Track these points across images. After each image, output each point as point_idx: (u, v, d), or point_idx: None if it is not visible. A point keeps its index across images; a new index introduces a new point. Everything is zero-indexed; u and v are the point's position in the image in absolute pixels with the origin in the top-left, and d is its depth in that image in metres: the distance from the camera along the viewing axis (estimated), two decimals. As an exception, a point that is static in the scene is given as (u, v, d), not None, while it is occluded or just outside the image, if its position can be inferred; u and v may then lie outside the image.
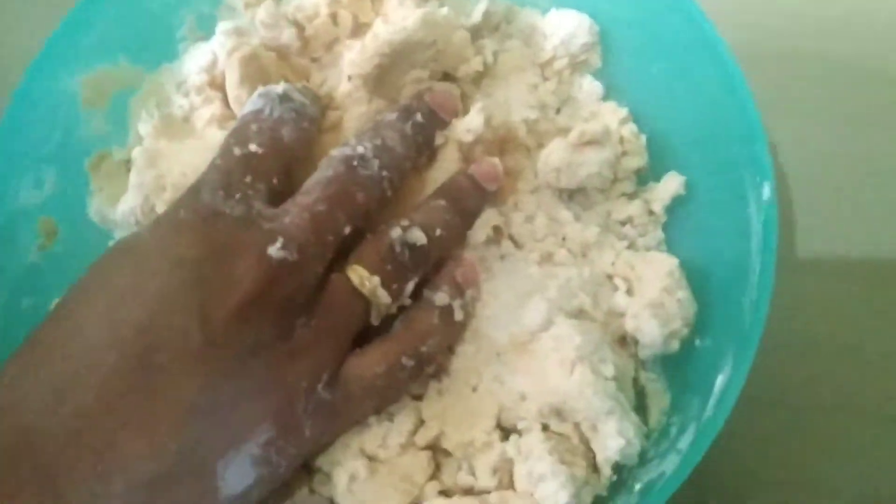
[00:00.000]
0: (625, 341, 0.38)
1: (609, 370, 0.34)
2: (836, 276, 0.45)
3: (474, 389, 0.35)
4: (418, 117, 0.36)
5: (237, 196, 0.31)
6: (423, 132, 0.36)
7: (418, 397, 0.35)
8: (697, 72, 0.37)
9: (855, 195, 0.47)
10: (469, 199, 0.36)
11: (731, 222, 0.36)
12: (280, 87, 0.35)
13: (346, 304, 0.32)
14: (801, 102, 0.48)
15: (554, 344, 0.35)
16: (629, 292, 0.38)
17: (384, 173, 0.34)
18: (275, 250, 0.30)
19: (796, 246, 0.46)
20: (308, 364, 0.31)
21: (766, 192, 0.34)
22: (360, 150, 0.34)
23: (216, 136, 0.37)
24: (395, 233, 0.33)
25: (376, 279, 0.32)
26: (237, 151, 0.33)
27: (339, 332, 0.32)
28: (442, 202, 0.35)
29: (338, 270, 0.33)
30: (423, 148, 0.36)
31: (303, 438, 0.31)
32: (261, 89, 0.35)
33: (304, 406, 0.31)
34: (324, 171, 0.33)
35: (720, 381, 0.33)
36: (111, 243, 0.38)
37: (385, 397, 0.34)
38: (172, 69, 0.40)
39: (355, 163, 0.33)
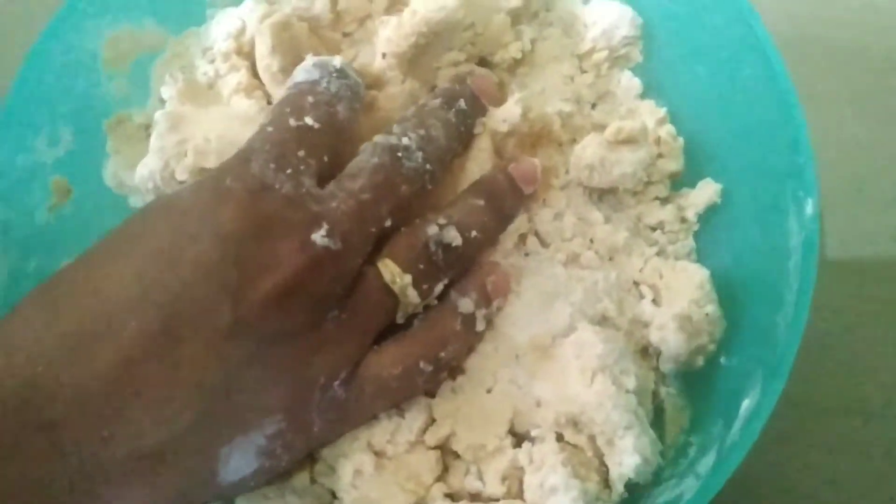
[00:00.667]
0: (647, 352, 0.36)
1: (631, 382, 0.33)
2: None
3: (489, 391, 0.34)
4: (462, 104, 0.34)
5: (288, 171, 0.29)
6: (465, 121, 0.35)
7: (430, 394, 0.34)
8: (744, 75, 0.35)
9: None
10: (507, 202, 0.34)
11: (768, 236, 0.34)
12: (337, 61, 0.33)
13: (376, 300, 0.31)
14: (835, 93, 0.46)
15: (576, 351, 0.33)
16: (655, 301, 0.36)
17: (427, 166, 0.32)
18: (319, 237, 0.28)
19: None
20: (330, 358, 0.29)
21: (810, 207, 0.32)
22: (405, 141, 0.32)
23: (242, 105, 0.35)
24: (432, 230, 0.32)
25: (408, 278, 0.31)
26: (292, 122, 0.31)
27: (365, 329, 0.31)
28: (480, 202, 0.33)
29: (369, 262, 0.31)
30: (464, 137, 0.35)
31: (310, 434, 0.30)
32: (315, 59, 0.33)
33: (318, 402, 0.29)
34: (369, 158, 0.31)
35: (746, 404, 0.31)
36: (139, 204, 0.37)
37: (397, 399, 0.32)
38: (199, 34, 0.39)
39: (400, 154, 0.31)
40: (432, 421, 0.33)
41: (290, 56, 0.36)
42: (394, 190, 0.31)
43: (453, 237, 0.32)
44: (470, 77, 0.36)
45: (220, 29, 0.37)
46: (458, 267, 0.33)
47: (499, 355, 0.34)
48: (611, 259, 0.37)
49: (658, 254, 0.37)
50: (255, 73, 0.37)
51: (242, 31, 0.37)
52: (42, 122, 0.36)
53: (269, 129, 0.31)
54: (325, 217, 0.29)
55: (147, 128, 0.39)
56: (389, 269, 0.31)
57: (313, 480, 0.33)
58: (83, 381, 0.25)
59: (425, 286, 0.32)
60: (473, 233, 0.33)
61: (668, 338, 0.34)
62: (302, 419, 0.29)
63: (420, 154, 0.32)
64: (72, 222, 0.37)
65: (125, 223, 0.30)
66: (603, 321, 0.35)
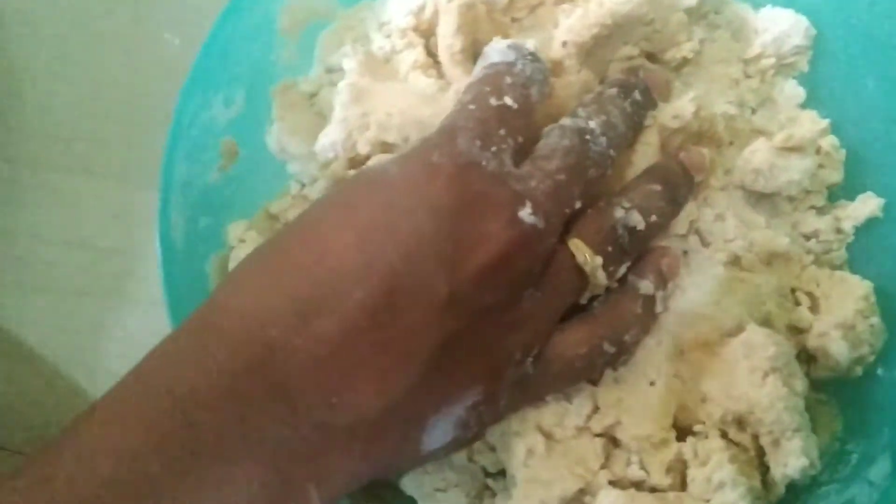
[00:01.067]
0: (799, 359, 0.36)
1: (800, 385, 0.33)
2: None
3: (652, 384, 0.33)
4: (637, 95, 0.35)
5: (493, 149, 0.30)
6: (639, 111, 0.35)
7: (593, 382, 0.34)
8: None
9: None
10: (681, 188, 0.34)
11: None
12: (531, 44, 0.33)
13: (568, 280, 0.31)
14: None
15: (745, 350, 0.33)
16: (812, 310, 0.36)
17: (610, 151, 0.32)
18: (526, 215, 0.29)
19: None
20: (526, 335, 0.30)
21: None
22: (592, 124, 0.32)
23: (421, 82, 0.35)
24: (618, 213, 0.32)
25: (599, 259, 0.31)
26: (493, 101, 0.31)
27: (556, 308, 0.31)
28: (658, 187, 0.33)
29: (560, 241, 0.31)
30: (638, 127, 0.35)
31: (498, 407, 0.30)
32: (509, 41, 0.33)
33: (511, 376, 0.30)
34: (559, 139, 0.32)
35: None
36: (298, 170, 0.37)
37: (578, 378, 0.32)
38: (373, 7, 0.39)
39: (587, 136, 0.32)
40: (596, 409, 0.33)
41: (471, 37, 0.36)
42: (584, 172, 0.32)
43: (638, 221, 0.32)
44: (643, 71, 0.36)
45: (401, 4, 0.37)
46: (639, 250, 0.33)
47: (663, 349, 0.34)
48: (769, 264, 0.37)
49: (814, 262, 0.37)
50: (429, 51, 0.37)
51: (423, 8, 0.37)
52: (221, 83, 0.36)
53: (471, 106, 0.31)
54: (527, 196, 0.29)
55: (311, 96, 0.39)
56: (581, 250, 0.31)
57: (470, 459, 0.34)
58: (314, 347, 0.26)
59: (611, 268, 0.32)
60: (653, 217, 0.33)
61: (831, 346, 0.34)
62: (495, 392, 0.29)
63: (604, 139, 0.32)
64: (236, 183, 0.37)
65: (334, 194, 0.30)
66: (766, 324, 0.35)
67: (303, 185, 0.38)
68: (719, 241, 0.36)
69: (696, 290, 0.35)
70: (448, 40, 0.35)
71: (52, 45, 0.50)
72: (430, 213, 0.28)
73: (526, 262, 0.29)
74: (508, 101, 0.31)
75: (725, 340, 0.34)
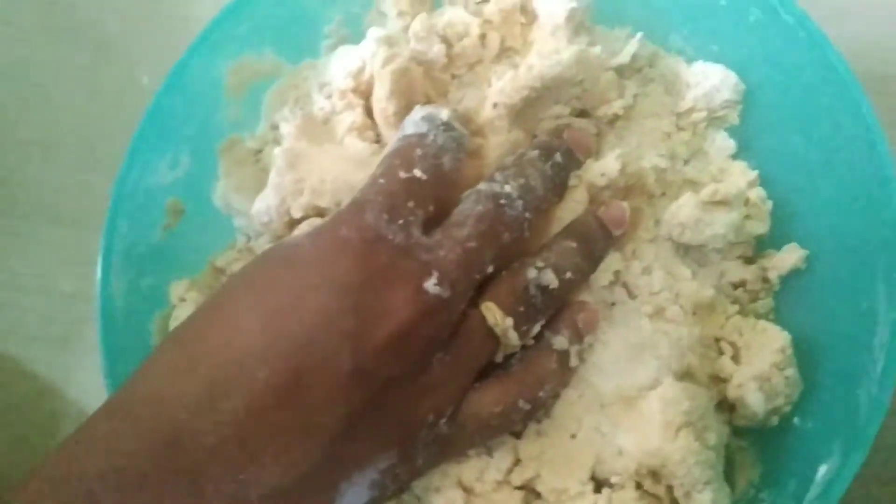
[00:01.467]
0: (722, 406, 0.37)
1: (712, 439, 0.34)
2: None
3: (573, 436, 0.35)
4: (558, 157, 0.36)
5: (400, 222, 0.31)
6: (560, 173, 0.36)
7: (516, 435, 0.35)
8: (841, 148, 0.36)
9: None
10: (597, 243, 0.36)
11: (853, 309, 0.35)
12: (444, 114, 0.34)
13: (479, 342, 0.32)
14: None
15: (661, 405, 0.34)
16: (734, 359, 0.37)
17: (526, 214, 0.33)
18: (431, 285, 0.30)
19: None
20: (438, 399, 0.31)
21: (904, 289, 0.33)
22: (507, 189, 0.33)
23: (355, 146, 0.36)
24: (531, 273, 0.33)
25: (510, 321, 0.32)
26: (402, 174, 0.32)
27: (469, 369, 0.32)
28: (573, 244, 0.35)
29: (471, 305, 0.32)
30: (559, 189, 0.36)
31: (414, 467, 0.32)
32: (423, 111, 0.35)
33: (424, 437, 0.31)
34: (473, 206, 0.33)
35: (824, 470, 0.33)
36: (244, 225, 0.39)
37: (495, 435, 0.34)
38: (315, 66, 0.40)
39: (503, 201, 0.33)
40: (517, 461, 0.35)
41: (405, 99, 0.37)
42: (497, 237, 0.33)
43: (551, 280, 0.33)
44: (568, 130, 0.37)
45: (340, 66, 0.38)
46: (554, 308, 0.35)
47: (584, 402, 0.35)
48: (694, 314, 0.38)
49: (739, 312, 0.39)
50: (369, 112, 0.38)
51: (362, 70, 0.38)
52: (167, 146, 0.38)
53: (381, 180, 0.32)
54: (434, 266, 0.30)
55: (257, 152, 0.40)
56: (492, 313, 0.32)
57: (399, 508, 0.35)
58: (221, 428, 0.27)
59: (524, 328, 0.33)
60: (568, 274, 0.34)
61: (748, 396, 0.35)
62: (410, 454, 0.31)
63: (521, 203, 0.33)
64: (181, 241, 0.39)
65: (247, 271, 0.31)
66: (686, 376, 0.36)
67: (249, 238, 0.40)
68: (645, 294, 0.37)
69: (619, 343, 0.36)
70: (382, 104, 0.36)
71: (10, 84, 0.51)
72: (335, 289, 0.29)
73: (432, 332, 0.30)
74: (418, 172, 0.32)
75: (643, 394, 0.35)
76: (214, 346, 0.29)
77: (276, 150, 0.36)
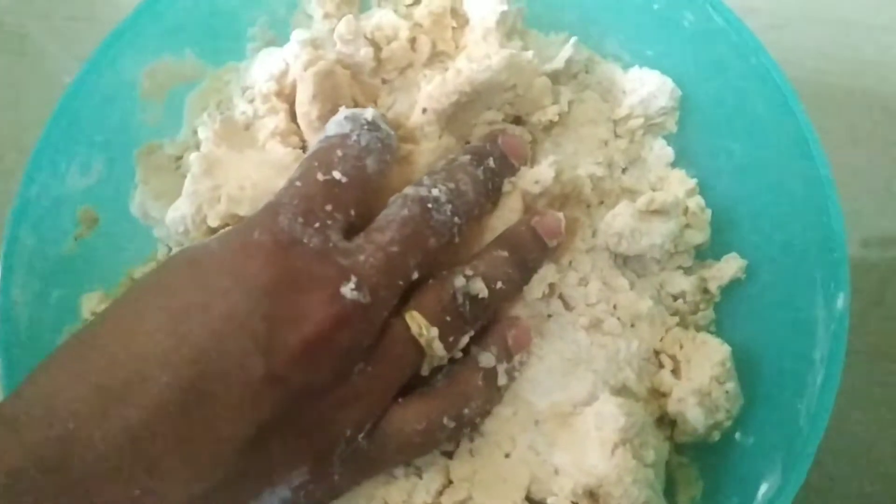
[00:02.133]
0: (663, 421, 0.36)
1: (650, 456, 0.32)
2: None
3: (507, 455, 0.33)
4: (491, 162, 0.34)
5: (316, 225, 0.29)
6: (493, 178, 0.34)
7: (448, 454, 0.33)
8: (780, 160, 0.35)
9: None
10: (531, 253, 0.34)
11: (793, 321, 0.34)
12: (369, 114, 0.32)
13: (403, 353, 0.30)
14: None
15: (597, 421, 0.32)
16: (675, 373, 0.36)
17: (455, 219, 0.32)
18: (348, 290, 0.28)
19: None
20: (357, 412, 0.29)
21: (840, 302, 0.32)
22: (435, 192, 0.31)
23: (277, 152, 0.34)
24: (459, 282, 0.31)
25: (435, 331, 0.30)
26: (320, 177, 0.30)
27: (391, 382, 0.30)
28: (504, 253, 0.33)
29: (395, 314, 0.30)
30: (492, 195, 0.34)
31: (331, 484, 0.29)
32: (347, 112, 0.33)
33: (342, 453, 0.29)
34: (398, 210, 0.31)
35: (765, 488, 0.31)
36: (163, 235, 0.36)
37: (418, 454, 0.32)
38: (238, 69, 0.38)
39: (430, 205, 0.31)
40: (449, 482, 0.33)
41: (330, 103, 0.35)
42: (422, 242, 0.31)
43: (479, 289, 0.32)
44: (502, 136, 0.36)
45: (263, 69, 0.36)
46: (482, 319, 0.33)
47: (518, 420, 0.34)
48: (633, 326, 0.36)
49: (679, 324, 0.37)
50: (293, 116, 0.36)
51: (285, 73, 0.36)
52: (77, 151, 0.35)
53: (298, 183, 0.30)
54: (353, 270, 0.29)
55: (177, 159, 0.38)
56: (416, 322, 0.30)
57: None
58: (115, 439, 0.25)
59: (451, 339, 0.31)
60: (499, 284, 0.32)
61: (687, 412, 0.34)
62: (325, 470, 0.29)
63: (449, 206, 0.31)
64: (96, 252, 0.36)
65: (153, 274, 0.29)
66: (623, 390, 0.35)
67: (170, 249, 0.37)
68: (582, 306, 0.36)
69: (554, 357, 0.35)
70: (305, 107, 0.34)
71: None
72: (245, 293, 0.27)
73: (351, 339, 0.28)
74: (337, 175, 0.30)
75: (579, 410, 0.33)
76: (112, 350, 0.26)
77: (192, 156, 0.34)
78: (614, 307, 0.36)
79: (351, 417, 0.29)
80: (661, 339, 0.37)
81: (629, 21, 0.38)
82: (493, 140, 0.35)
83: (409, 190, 0.32)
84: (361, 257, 0.29)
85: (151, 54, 0.37)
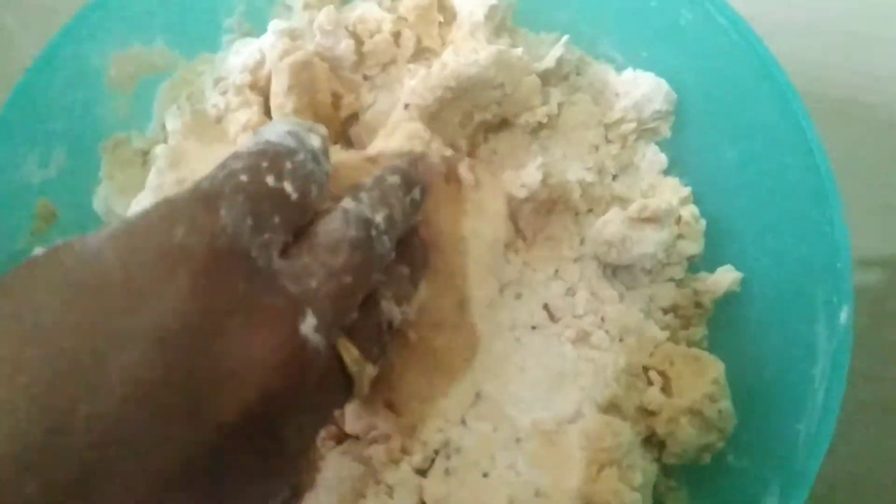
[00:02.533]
0: (650, 442, 0.33)
1: (637, 479, 0.30)
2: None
3: (485, 475, 0.31)
4: (416, 193, 0.29)
5: (265, 236, 0.22)
6: (414, 212, 0.29)
7: (422, 472, 0.31)
8: (781, 170, 0.33)
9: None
10: (420, 270, 0.30)
11: (792, 338, 0.32)
12: (316, 142, 0.25)
13: (335, 390, 0.25)
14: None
15: (582, 440, 0.30)
16: (664, 390, 0.34)
17: (391, 254, 0.27)
18: (310, 330, 0.22)
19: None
20: (288, 478, 0.24)
21: (844, 316, 0.30)
22: (377, 218, 0.26)
23: (249, 145, 0.32)
24: (385, 309, 0.27)
25: (370, 368, 0.26)
26: (270, 181, 0.23)
27: (321, 427, 0.28)
28: (406, 270, 0.28)
29: None
30: (403, 231, 0.28)
31: None
32: (289, 126, 0.26)
33: None
34: (344, 227, 0.25)
35: (763, 511, 0.29)
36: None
37: None
38: (213, 61, 0.36)
39: (374, 232, 0.25)
40: (422, 503, 0.31)
41: (307, 97, 0.33)
42: (368, 276, 0.25)
43: (395, 315, 0.28)
44: (422, 162, 0.31)
45: (237, 60, 0.34)
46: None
47: (498, 437, 0.31)
48: (621, 340, 0.34)
49: (669, 338, 0.35)
50: (267, 110, 0.34)
51: (261, 64, 0.34)
52: (36, 140, 0.33)
53: (243, 177, 0.23)
54: (308, 302, 0.22)
55: (145, 154, 0.36)
56: (351, 354, 0.25)
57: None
58: None
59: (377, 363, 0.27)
60: (404, 305, 0.28)
61: (678, 433, 0.32)
62: None
63: (386, 238, 0.26)
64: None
65: (10, 279, 0.20)
66: (611, 408, 0.33)
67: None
68: (568, 317, 0.34)
69: (538, 370, 0.33)
70: (279, 100, 0.32)
71: None
72: (154, 340, 0.19)
73: (300, 396, 0.22)
74: (288, 188, 0.23)
75: (563, 428, 0.31)
76: None
77: (158, 148, 0.32)
78: (602, 319, 0.34)
79: (281, 484, 0.24)
80: (651, 355, 0.34)
81: (623, 20, 0.36)
82: (416, 166, 0.31)
83: (349, 205, 0.25)
84: (314, 284, 0.23)
85: (119, 41, 0.35)
